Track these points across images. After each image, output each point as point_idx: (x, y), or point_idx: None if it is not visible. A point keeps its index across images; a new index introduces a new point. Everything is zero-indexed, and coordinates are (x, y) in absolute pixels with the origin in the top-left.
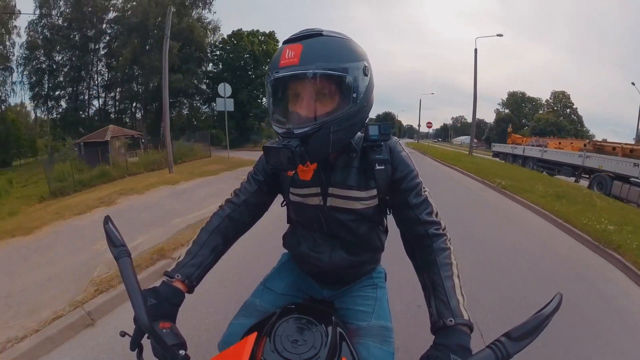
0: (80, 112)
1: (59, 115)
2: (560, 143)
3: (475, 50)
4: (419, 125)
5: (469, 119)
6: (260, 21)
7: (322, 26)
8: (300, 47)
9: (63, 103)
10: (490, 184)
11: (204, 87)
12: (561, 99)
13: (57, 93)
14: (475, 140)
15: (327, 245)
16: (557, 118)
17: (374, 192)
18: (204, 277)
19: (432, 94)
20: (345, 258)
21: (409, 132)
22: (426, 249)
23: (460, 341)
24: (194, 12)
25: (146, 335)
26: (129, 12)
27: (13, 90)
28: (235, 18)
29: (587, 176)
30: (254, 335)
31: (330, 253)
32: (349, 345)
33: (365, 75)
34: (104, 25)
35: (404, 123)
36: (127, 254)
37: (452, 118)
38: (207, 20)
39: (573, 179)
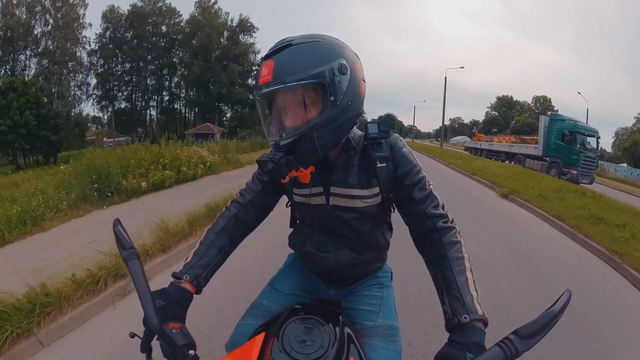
0: (142, 112)
1: (119, 114)
2: (503, 139)
3: (445, 78)
4: (414, 127)
5: (466, 120)
6: (260, 21)
7: (323, 26)
8: (272, 64)
9: (122, 104)
10: (445, 163)
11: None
12: (542, 103)
13: (119, 94)
14: (468, 139)
15: (332, 244)
16: (534, 120)
17: (376, 190)
18: (212, 278)
19: (424, 101)
20: (350, 256)
21: (410, 132)
22: (436, 244)
23: (476, 339)
24: (242, 37)
25: (156, 336)
26: (195, 40)
27: (84, 91)
28: (236, 18)
29: (512, 160)
30: (261, 336)
31: (335, 252)
32: (356, 345)
33: (343, 73)
34: (162, 41)
35: (405, 124)
36: (136, 256)
37: (450, 119)
38: (251, 42)
39: (507, 161)
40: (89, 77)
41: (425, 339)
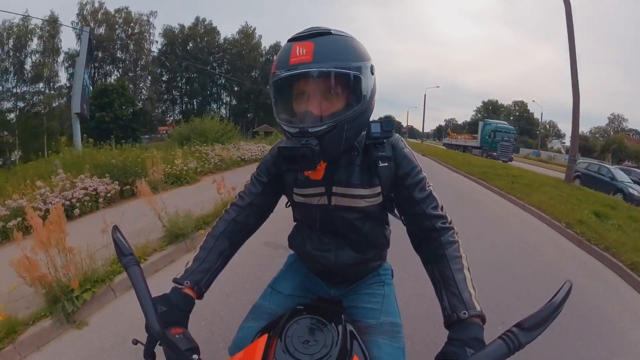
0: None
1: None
2: (462, 137)
3: (425, 96)
4: (404, 129)
5: (460, 121)
6: (258, 19)
7: (325, 25)
8: (311, 45)
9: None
10: (420, 154)
11: None
12: (521, 106)
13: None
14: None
15: (332, 244)
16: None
17: (378, 189)
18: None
19: (416, 107)
20: (351, 256)
21: (410, 132)
22: (434, 243)
23: (474, 334)
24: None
25: (159, 342)
26: (241, 60)
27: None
28: (236, 18)
29: (468, 150)
30: (264, 338)
31: (336, 251)
32: (359, 343)
33: (372, 74)
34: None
35: (404, 124)
36: (135, 263)
37: (445, 120)
38: None
39: (462, 151)
40: (158, 85)
41: (426, 336)
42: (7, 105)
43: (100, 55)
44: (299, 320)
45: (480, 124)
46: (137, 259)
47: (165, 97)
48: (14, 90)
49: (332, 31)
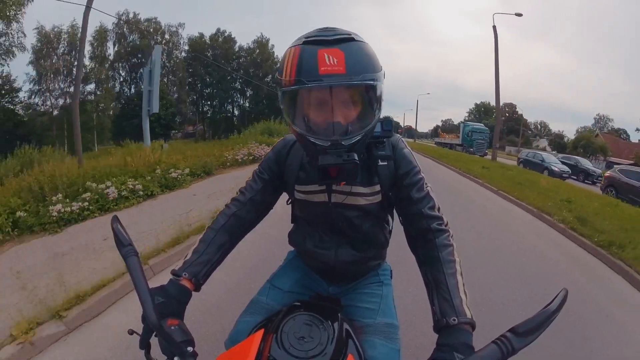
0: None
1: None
2: (452, 136)
3: (417, 102)
4: (400, 130)
5: (456, 122)
6: (258, 18)
7: (323, 24)
8: (341, 54)
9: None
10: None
11: None
12: (510, 107)
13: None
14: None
15: (332, 242)
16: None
17: (377, 187)
18: (211, 275)
19: (411, 109)
20: (350, 254)
21: (408, 132)
22: (429, 244)
23: (464, 339)
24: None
25: (154, 333)
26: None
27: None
28: (236, 18)
29: (453, 148)
30: (260, 333)
31: (336, 249)
32: (355, 342)
33: (382, 81)
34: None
35: (402, 124)
36: (134, 253)
37: (442, 120)
38: None
39: (450, 149)
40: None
41: (424, 338)
42: (60, 102)
43: (137, 60)
44: (295, 316)
45: (461, 125)
46: (136, 249)
47: (189, 99)
48: (65, 90)
49: (354, 36)
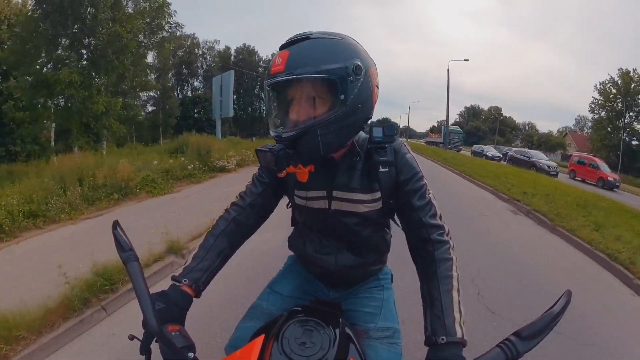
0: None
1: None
2: (437, 136)
3: (448, 71)
4: (399, 128)
5: (451, 121)
6: (258, 19)
7: (323, 25)
8: (286, 54)
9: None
10: None
11: None
12: (495, 110)
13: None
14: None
15: (332, 247)
16: (482, 124)
17: (378, 194)
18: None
19: (408, 109)
20: (351, 259)
21: (407, 132)
22: (428, 257)
23: (452, 355)
24: None
25: (155, 339)
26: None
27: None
28: (235, 18)
29: (438, 145)
30: (261, 338)
31: (336, 254)
32: (356, 347)
33: (357, 74)
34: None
35: (401, 125)
36: (135, 258)
37: (437, 121)
38: None
39: (435, 146)
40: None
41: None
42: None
43: (185, 71)
44: (296, 321)
45: (443, 127)
46: (136, 254)
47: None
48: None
49: (311, 35)
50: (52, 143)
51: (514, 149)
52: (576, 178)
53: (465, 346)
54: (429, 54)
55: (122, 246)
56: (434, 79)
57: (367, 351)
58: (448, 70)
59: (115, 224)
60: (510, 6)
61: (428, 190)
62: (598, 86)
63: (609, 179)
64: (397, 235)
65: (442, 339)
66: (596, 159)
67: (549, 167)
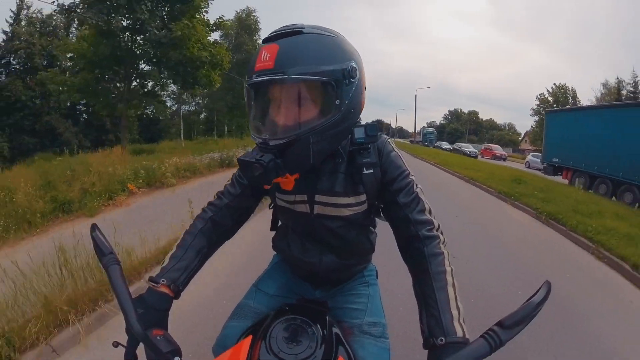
0: None
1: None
2: (417, 135)
3: (416, 96)
4: (389, 131)
5: (438, 122)
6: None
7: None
8: (276, 48)
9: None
10: None
11: None
12: (474, 114)
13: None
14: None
15: (316, 250)
16: (461, 126)
17: (363, 197)
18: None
19: (403, 109)
20: (335, 262)
21: (400, 133)
22: (418, 254)
23: (453, 356)
24: None
25: (140, 344)
26: None
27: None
28: (227, 17)
29: (417, 143)
30: (249, 339)
31: (320, 257)
32: (344, 344)
33: (352, 78)
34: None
35: (393, 125)
36: (116, 262)
37: (427, 123)
38: None
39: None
40: None
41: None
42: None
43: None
44: (283, 320)
45: (422, 129)
46: (117, 258)
47: None
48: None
49: (304, 29)
50: None
51: (461, 143)
52: (484, 157)
53: (467, 345)
54: (423, 55)
55: (102, 250)
56: (427, 79)
57: (355, 347)
58: (415, 95)
59: (94, 227)
60: (501, 6)
61: (415, 185)
62: (539, 96)
63: (497, 154)
64: (386, 231)
65: (441, 340)
66: (492, 145)
67: (470, 152)
